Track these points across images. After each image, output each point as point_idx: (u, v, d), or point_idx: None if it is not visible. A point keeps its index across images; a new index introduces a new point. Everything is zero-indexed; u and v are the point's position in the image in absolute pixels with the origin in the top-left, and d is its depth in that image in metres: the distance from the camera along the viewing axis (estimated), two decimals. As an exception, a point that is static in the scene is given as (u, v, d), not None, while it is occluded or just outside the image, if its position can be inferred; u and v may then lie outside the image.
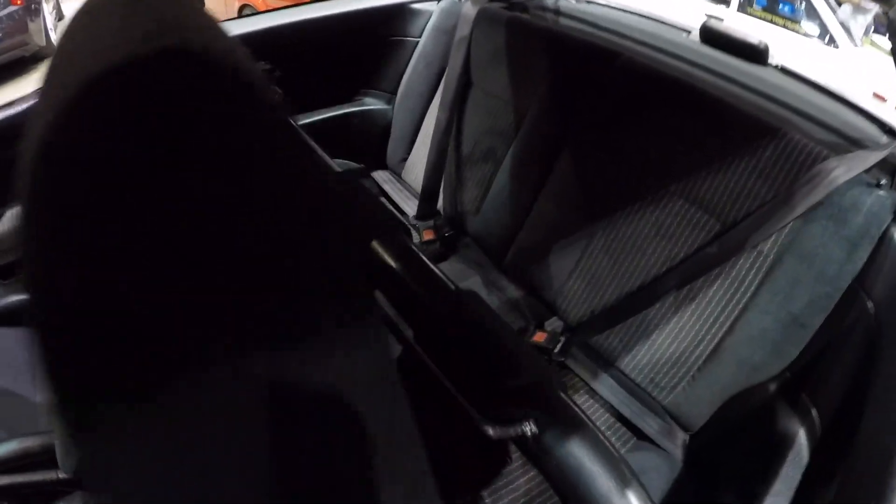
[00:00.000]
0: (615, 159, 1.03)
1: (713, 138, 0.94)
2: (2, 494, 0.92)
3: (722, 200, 0.93)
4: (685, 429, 0.94)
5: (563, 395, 0.47)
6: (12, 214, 1.28)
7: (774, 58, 1.09)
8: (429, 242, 1.26)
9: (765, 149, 0.89)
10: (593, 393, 0.99)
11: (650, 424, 0.93)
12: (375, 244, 0.60)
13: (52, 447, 0.94)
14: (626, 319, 0.99)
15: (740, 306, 0.89)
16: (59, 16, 4.56)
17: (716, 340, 0.91)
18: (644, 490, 0.42)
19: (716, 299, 0.91)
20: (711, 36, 1.11)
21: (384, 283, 0.59)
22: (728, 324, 0.90)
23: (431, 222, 1.30)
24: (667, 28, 1.19)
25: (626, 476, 0.42)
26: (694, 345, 0.93)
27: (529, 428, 0.44)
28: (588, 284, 1.04)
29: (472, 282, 1.16)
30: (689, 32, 1.16)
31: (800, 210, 0.85)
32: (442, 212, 1.33)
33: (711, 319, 0.92)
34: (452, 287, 0.54)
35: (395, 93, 1.49)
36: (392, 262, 0.58)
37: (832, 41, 3.48)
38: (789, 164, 0.88)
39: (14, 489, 0.90)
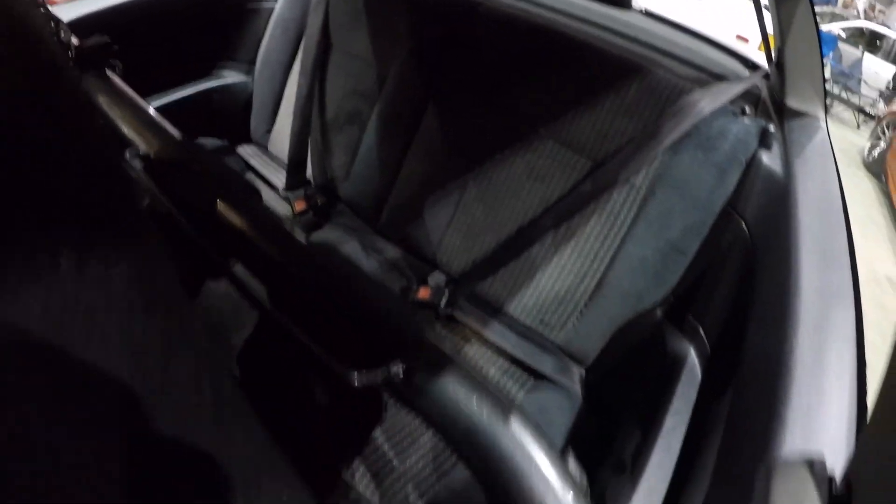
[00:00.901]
0: (482, 111, 0.99)
1: (580, 81, 0.93)
2: None
3: (591, 139, 0.92)
4: (580, 363, 0.93)
5: (427, 338, 0.42)
6: None
7: (639, 2, 1.10)
8: (302, 213, 1.17)
9: (630, 87, 0.89)
10: (485, 341, 0.96)
11: (545, 363, 0.91)
12: (221, 205, 0.53)
13: None
14: (507, 264, 0.96)
15: (619, 239, 0.89)
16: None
17: (598, 275, 0.90)
18: (522, 414, 0.39)
19: (594, 235, 0.90)
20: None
21: (235, 246, 0.53)
22: (608, 257, 0.89)
23: (302, 192, 1.20)
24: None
25: (502, 403, 0.39)
26: (577, 281, 0.91)
27: (397, 369, 0.38)
28: (466, 235, 1.01)
29: (350, 247, 1.08)
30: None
31: (668, 142, 0.86)
32: (312, 181, 1.24)
33: (592, 255, 0.90)
34: (303, 243, 0.49)
35: (254, 63, 1.37)
36: (241, 224, 0.51)
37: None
38: (654, 100, 0.88)
39: None
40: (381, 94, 1.10)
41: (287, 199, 1.19)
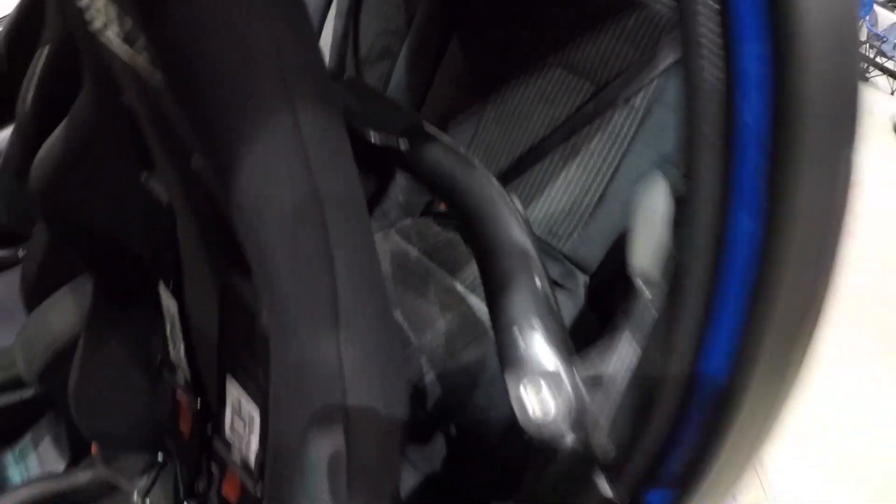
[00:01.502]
0: (500, 38, 1.09)
1: (585, 13, 1.02)
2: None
3: (595, 65, 1.02)
4: (584, 271, 1.04)
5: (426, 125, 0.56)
6: None
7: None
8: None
9: (630, 17, 0.98)
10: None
11: (553, 270, 1.03)
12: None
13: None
14: (520, 179, 1.07)
15: (619, 155, 0.99)
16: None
17: (601, 188, 1.00)
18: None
19: (597, 152, 1.01)
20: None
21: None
22: (610, 172, 1.00)
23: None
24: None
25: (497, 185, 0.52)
26: (582, 194, 1.02)
27: (403, 142, 0.51)
28: (484, 154, 1.11)
29: (379, 172, 1.21)
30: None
31: (663, 66, 0.95)
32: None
33: (595, 170, 1.01)
34: None
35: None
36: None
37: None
38: (652, 29, 0.97)
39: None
40: (410, 29, 1.20)
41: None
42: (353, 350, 0.34)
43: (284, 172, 0.33)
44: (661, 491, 0.36)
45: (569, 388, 0.39)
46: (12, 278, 1.24)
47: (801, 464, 1.66)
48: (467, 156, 0.56)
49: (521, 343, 0.41)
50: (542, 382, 0.39)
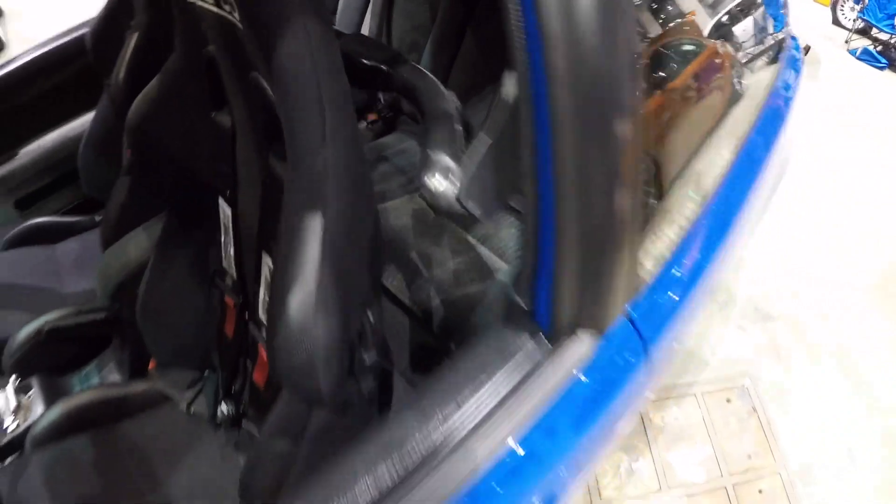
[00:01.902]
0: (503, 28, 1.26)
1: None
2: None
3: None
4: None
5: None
6: (27, 151, 1.47)
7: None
8: (373, 122, 1.48)
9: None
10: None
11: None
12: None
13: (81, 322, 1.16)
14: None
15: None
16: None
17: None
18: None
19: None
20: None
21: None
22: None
23: (372, 107, 1.51)
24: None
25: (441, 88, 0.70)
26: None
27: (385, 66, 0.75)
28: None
29: (408, 144, 1.38)
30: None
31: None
32: (381, 99, 1.55)
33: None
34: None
35: (335, 12, 1.68)
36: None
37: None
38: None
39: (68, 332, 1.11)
40: (433, 26, 1.39)
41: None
42: (335, 158, 0.52)
43: (299, 60, 0.52)
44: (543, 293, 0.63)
45: (455, 176, 0.68)
46: (90, 238, 1.44)
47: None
48: (425, 72, 0.84)
49: (433, 155, 0.68)
50: (439, 173, 0.67)
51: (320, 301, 0.51)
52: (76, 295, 1.31)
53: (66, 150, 1.51)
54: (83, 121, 1.55)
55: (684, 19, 1.20)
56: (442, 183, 0.66)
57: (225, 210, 0.85)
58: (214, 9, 0.60)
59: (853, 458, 1.71)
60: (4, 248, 1.41)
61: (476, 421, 0.59)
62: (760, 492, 1.62)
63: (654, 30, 1.11)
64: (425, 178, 0.67)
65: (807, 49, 3.03)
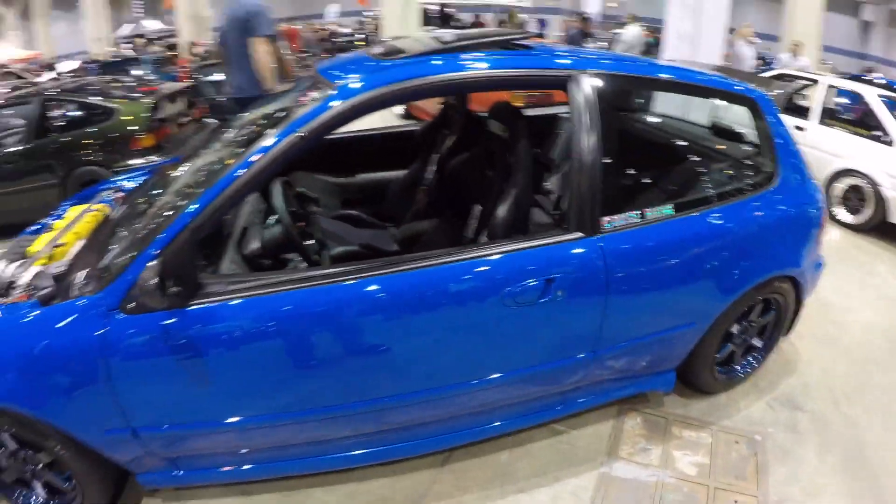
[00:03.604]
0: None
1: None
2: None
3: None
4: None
5: None
6: (360, 177, 3.10)
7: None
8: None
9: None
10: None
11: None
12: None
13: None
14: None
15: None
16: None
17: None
18: None
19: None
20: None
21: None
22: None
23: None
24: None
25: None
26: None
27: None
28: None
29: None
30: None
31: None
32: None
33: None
34: None
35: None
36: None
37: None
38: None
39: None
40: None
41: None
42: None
43: (524, 154, 1.86)
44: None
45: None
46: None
47: None
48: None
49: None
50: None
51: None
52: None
53: (379, 183, 3.02)
54: (391, 173, 3.07)
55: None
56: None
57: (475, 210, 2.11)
58: (501, 133, 1.88)
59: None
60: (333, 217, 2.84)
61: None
62: (736, 502, 2.23)
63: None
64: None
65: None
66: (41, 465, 1.89)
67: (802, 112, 5.37)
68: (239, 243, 2.12)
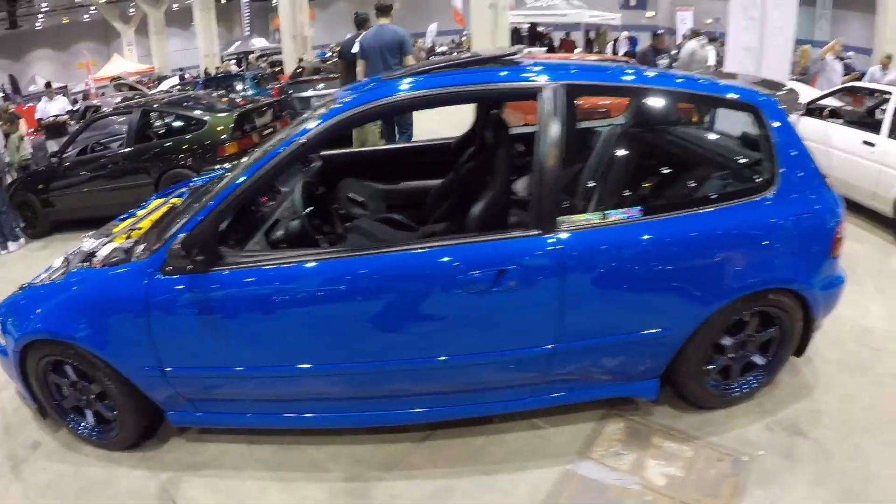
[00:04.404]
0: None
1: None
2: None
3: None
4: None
5: None
6: (403, 184, 3.46)
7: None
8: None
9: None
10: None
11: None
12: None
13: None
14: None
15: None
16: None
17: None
18: None
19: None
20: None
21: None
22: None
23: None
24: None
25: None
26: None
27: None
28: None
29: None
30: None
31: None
32: None
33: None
34: None
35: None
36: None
37: None
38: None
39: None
40: None
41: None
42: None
43: (502, 155, 2.15)
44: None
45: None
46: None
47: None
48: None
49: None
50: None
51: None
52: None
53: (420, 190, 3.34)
54: (432, 182, 3.37)
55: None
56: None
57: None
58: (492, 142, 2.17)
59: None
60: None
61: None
62: (701, 516, 2.18)
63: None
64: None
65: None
66: (93, 396, 2.42)
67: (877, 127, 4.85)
68: (268, 231, 2.56)
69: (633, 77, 2.44)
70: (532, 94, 2.20)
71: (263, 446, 2.49)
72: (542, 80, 2.21)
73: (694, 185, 2.49)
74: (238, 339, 2.20)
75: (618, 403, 2.56)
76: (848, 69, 9.00)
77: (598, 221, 2.15)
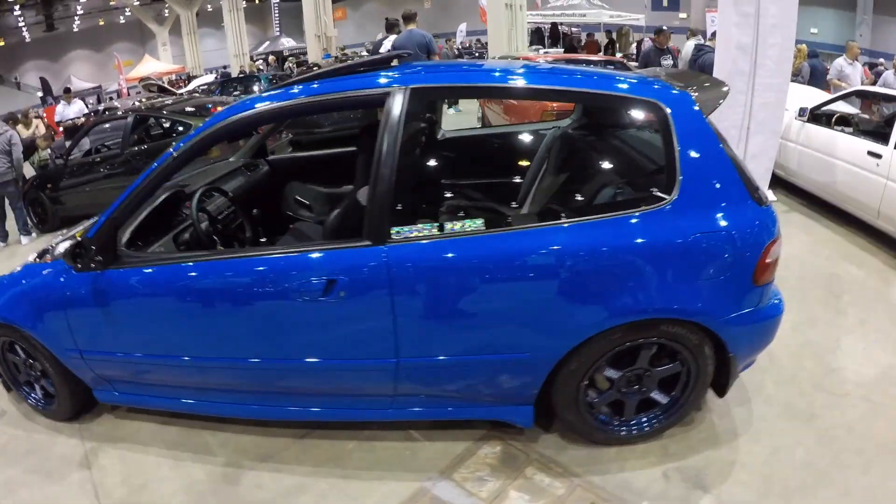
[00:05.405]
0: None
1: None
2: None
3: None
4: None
5: None
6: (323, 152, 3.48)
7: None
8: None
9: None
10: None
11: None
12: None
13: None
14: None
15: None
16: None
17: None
18: None
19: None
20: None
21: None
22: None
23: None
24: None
25: None
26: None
27: None
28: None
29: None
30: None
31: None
32: None
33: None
34: None
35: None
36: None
37: None
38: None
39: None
40: None
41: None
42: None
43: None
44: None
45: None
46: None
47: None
48: None
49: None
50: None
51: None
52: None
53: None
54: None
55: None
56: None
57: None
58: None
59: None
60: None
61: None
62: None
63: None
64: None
65: None
66: (37, 373, 2.79)
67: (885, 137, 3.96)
68: (176, 235, 2.76)
69: (499, 75, 2.19)
70: (381, 101, 2.08)
71: (171, 427, 2.69)
72: (390, 85, 2.09)
73: (573, 195, 2.19)
74: (130, 329, 2.40)
75: (502, 426, 2.37)
76: (878, 75, 8.73)
77: (435, 234, 1.99)
